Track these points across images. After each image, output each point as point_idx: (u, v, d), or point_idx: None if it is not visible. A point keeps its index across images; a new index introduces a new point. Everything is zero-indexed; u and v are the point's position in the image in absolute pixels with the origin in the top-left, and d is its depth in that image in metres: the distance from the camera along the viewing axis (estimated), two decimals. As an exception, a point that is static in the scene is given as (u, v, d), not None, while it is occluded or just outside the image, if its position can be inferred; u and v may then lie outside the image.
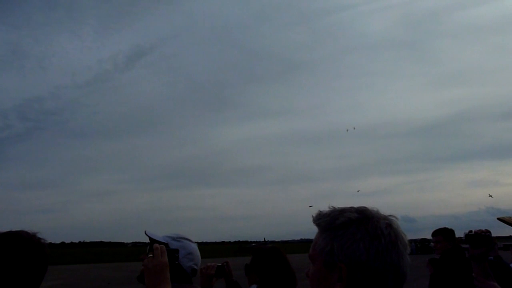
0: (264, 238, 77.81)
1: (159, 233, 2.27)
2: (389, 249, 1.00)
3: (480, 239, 2.35)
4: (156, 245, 1.73)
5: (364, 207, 1.08)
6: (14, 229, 1.66)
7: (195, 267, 2.22)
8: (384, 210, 1.09)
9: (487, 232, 2.40)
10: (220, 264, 2.80)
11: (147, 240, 2.22)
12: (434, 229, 4.84)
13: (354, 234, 1.01)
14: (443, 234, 4.70)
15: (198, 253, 2.26)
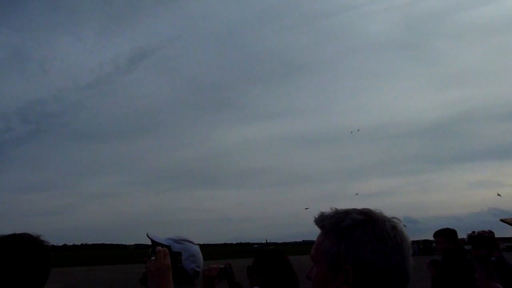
0: (266, 240, 77.76)
1: (161, 235, 2.27)
2: (395, 252, 1.00)
3: (483, 240, 2.34)
4: (159, 247, 1.73)
5: (368, 209, 1.07)
6: (17, 232, 1.67)
7: (198, 269, 2.22)
8: (387, 212, 1.09)
9: (490, 233, 2.39)
10: (222, 266, 2.80)
11: (149, 242, 2.22)
12: (436, 230, 4.83)
13: (361, 236, 1.00)
14: (444, 235, 4.68)
15: (200, 255, 2.26)
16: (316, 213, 1.11)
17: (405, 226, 1.06)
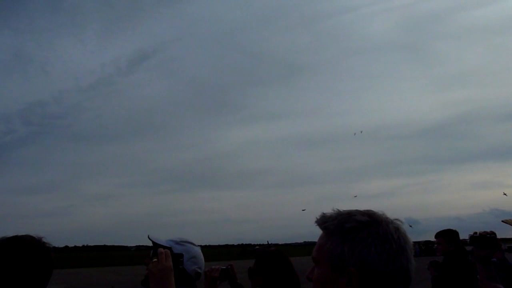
0: (268, 241, 77.79)
1: (162, 237, 2.27)
2: (399, 253, 1.00)
3: (484, 241, 2.34)
4: (161, 249, 1.73)
5: (372, 210, 1.07)
6: (19, 234, 1.68)
7: (199, 270, 2.22)
8: (388, 213, 1.08)
9: (492, 234, 2.39)
10: (224, 267, 2.80)
11: (150, 244, 2.23)
12: (437, 231, 4.83)
13: (366, 238, 1.00)
14: (444, 236, 4.69)
15: (201, 256, 2.26)
16: (316, 214, 1.10)
17: (411, 226, 1.07)
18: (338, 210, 1.08)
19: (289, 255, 3.01)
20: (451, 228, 4.82)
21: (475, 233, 2.39)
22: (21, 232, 1.69)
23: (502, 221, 2.74)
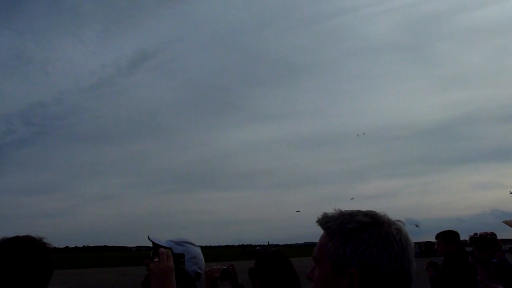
0: (268, 242, 77.61)
1: (163, 238, 2.28)
2: (401, 255, 1.00)
3: (485, 241, 2.34)
4: (162, 249, 1.73)
5: (374, 211, 1.07)
6: (20, 234, 1.68)
7: (199, 270, 2.22)
8: (389, 213, 1.08)
9: (493, 235, 2.38)
10: (225, 267, 2.80)
11: (151, 245, 2.23)
12: (438, 232, 4.84)
13: (368, 239, 1.00)
14: (444, 237, 4.70)
15: (201, 256, 2.27)
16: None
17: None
18: (340, 210, 1.08)
19: (290, 255, 3.01)
20: (451, 229, 4.83)
21: (475, 234, 2.39)
22: (22, 232, 1.70)
23: (503, 222, 2.74)
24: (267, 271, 2.74)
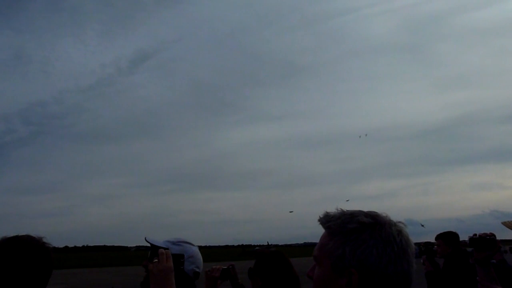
0: (268, 242, 77.63)
1: (162, 238, 2.28)
2: (401, 257, 1.00)
3: (484, 242, 2.34)
4: (162, 250, 1.73)
5: (375, 212, 1.07)
6: (19, 234, 1.68)
7: (197, 270, 2.22)
8: (389, 214, 1.08)
9: (492, 235, 2.38)
10: (225, 267, 2.80)
11: (149, 245, 2.24)
12: (438, 233, 4.84)
13: (368, 240, 1.00)
14: (443, 238, 4.70)
15: (199, 256, 2.27)
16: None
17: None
18: (342, 209, 1.08)
19: (289, 255, 3.01)
20: (451, 230, 4.83)
21: (475, 235, 2.39)
22: (22, 232, 1.70)
23: (502, 223, 2.74)
24: (266, 271, 2.74)
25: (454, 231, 4.81)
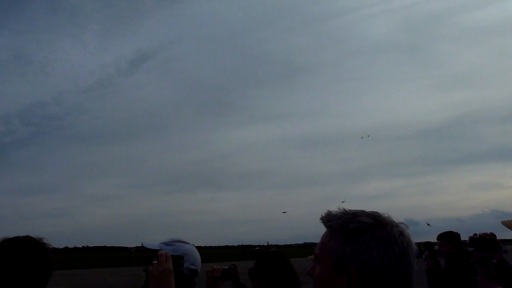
0: (268, 242, 77.47)
1: (158, 240, 2.29)
2: (401, 258, 1.00)
3: (484, 242, 2.34)
4: (161, 251, 1.73)
5: (377, 212, 1.07)
6: (20, 235, 1.68)
7: (192, 267, 2.21)
8: (388, 214, 1.08)
9: (492, 235, 2.39)
10: (226, 267, 2.80)
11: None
12: (440, 232, 4.83)
13: (369, 240, 1.00)
14: (448, 237, 4.69)
15: (193, 253, 2.26)
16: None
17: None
18: (344, 209, 1.09)
19: (289, 256, 3.01)
20: (451, 229, 4.83)
21: (475, 234, 2.39)
22: (22, 233, 1.70)
23: (502, 222, 2.74)
24: (267, 272, 2.74)
25: (454, 230, 4.80)
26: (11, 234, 1.68)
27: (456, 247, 4.60)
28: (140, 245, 2.20)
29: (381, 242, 1.00)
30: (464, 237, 4.69)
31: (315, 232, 1.10)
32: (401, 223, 1.06)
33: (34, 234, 1.71)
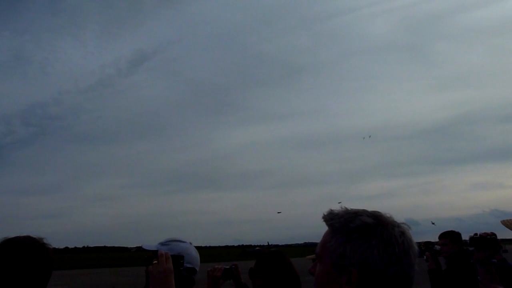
0: (268, 242, 77.58)
1: (157, 241, 2.29)
2: (402, 258, 1.00)
3: (485, 242, 2.34)
4: (161, 251, 1.73)
5: (379, 212, 1.07)
6: (20, 235, 1.68)
7: (189, 265, 2.21)
8: (389, 213, 1.08)
9: (493, 235, 2.39)
10: (228, 267, 2.80)
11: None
12: (441, 232, 4.83)
13: (369, 240, 1.00)
14: (450, 237, 4.69)
15: (190, 251, 2.25)
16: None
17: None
18: (346, 208, 1.09)
19: (290, 256, 3.01)
20: (451, 229, 4.82)
21: (475, 234, 2.39)
22: (22, 233, 1.70)
23: (501, 222, 2.74)
24: (267, 271, 2.74)
25: (455, 230, 4.80)
26: (11, 234, 1.68)
27: (458, 246, 4.60)
28: (140, 246, 2.20)
29: (382, 242, 1.00)
30: (465, 237, 4.70)
31: (315, 232, 1.10)
32: (403, 223, 1.06)
33: (34, 234, 1.71)
